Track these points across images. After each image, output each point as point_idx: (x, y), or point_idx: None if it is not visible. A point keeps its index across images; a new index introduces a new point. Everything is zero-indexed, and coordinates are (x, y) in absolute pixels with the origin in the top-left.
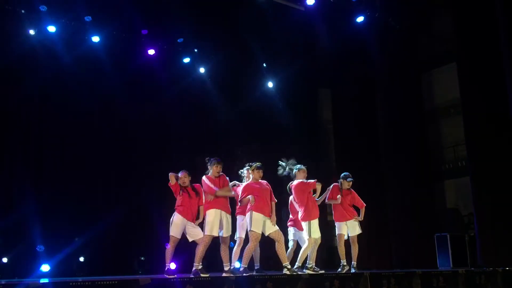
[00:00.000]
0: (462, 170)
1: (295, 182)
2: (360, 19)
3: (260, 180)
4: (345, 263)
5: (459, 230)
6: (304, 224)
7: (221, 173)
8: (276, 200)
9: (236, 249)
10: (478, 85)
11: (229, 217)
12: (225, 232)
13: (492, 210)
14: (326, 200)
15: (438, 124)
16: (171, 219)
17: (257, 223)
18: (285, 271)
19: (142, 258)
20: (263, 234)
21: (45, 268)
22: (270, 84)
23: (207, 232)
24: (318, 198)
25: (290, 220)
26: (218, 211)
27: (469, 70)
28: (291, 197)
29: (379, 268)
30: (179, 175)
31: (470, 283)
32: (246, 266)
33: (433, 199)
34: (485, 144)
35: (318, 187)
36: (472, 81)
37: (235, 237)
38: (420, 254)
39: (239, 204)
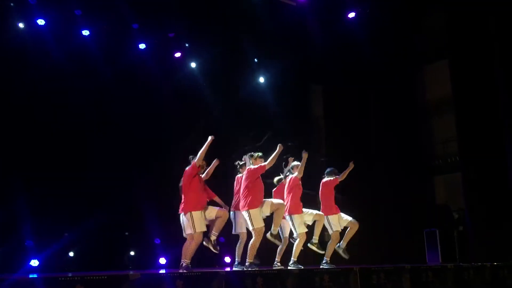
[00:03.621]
0: (452, 166)
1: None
2: (351, 15)
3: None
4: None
5: (448, 226)
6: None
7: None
8: None
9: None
10: (470, 82)
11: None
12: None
13: (482, 205)
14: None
15: (428, 120)
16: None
17: (257, 218)
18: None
19: (132, 253)
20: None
21: (34, 263)
22: (261, 80)
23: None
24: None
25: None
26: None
27: (460, 67)
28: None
29: (369, 263)
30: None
31: (459, 278)
32: (252, 260)
33: (423, 195)
34: (476, 141)
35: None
36: (464, 78)
37: (233, 232)
38: (409, 249)
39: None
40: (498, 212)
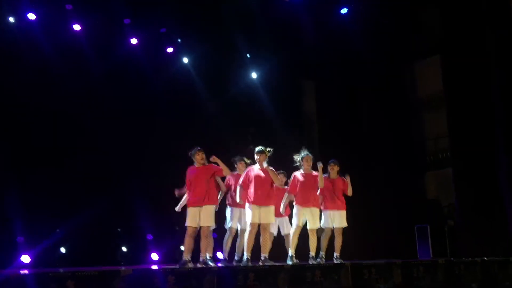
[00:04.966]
0: (443, 162)
1: None
2: (343, 11)
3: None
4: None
5: (439, 221)
6: None
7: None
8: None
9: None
10: (461, 78)
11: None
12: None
13: (473, 201)
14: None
15: (420, 116)
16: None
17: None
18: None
19: (124, 249)
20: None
21: (26, 259)
22: (254, 75)
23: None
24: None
25: None
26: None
27: (452, 63)
28: None
29: (360, 259)
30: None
31: (449, 273)
32: (267, 255)
33: (414, 191)
34: (467, 137)
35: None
36: (456, 74)
37: (225, 227)
38: (401, 245)
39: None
40: (488, 208)
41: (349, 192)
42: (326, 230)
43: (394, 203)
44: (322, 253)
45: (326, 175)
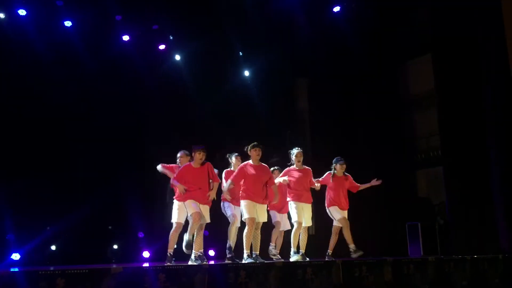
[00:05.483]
0: (434, 160)
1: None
2: (336, 9)
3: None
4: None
5: (430, 219)
6: None
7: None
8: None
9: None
10: (453, 77)
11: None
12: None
13: (464, 199)
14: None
15: (412, 114)
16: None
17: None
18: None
19: (115, 247)
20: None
21: (16, 257)
22: (246, 73)
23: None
24: None
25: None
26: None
27: (444, 62)
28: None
29: (351, 256)
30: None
31: (439, 270)
32: (248, 251)
33: (405, 188)
34: (458, 135)
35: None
36: (447, 73)
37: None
38: (392, 242)
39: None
40: (479, 206)
41: (355, 189)
42: (340, 219)
43: (385, 200)
44: (352, 246)
45: (331, 172)
